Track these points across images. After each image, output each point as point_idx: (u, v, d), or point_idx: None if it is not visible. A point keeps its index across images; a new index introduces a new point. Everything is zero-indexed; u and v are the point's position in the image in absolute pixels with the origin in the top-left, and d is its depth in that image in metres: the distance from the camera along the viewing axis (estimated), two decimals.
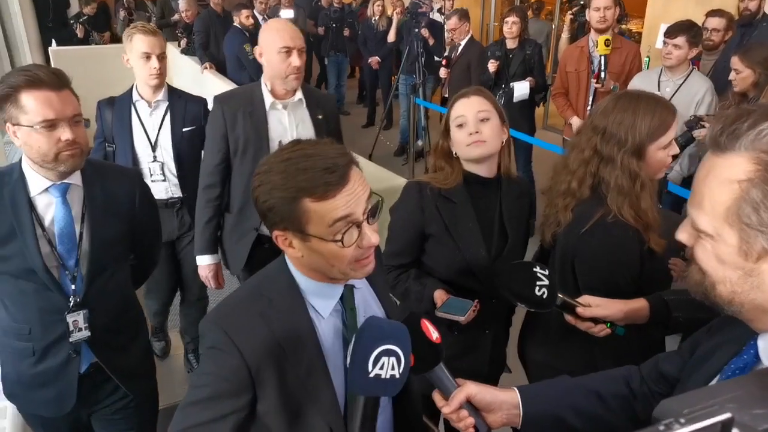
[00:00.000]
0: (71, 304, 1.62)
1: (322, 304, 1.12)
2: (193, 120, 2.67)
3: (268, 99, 2.24)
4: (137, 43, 2.50)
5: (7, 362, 1.71)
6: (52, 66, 7.74)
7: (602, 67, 3.40)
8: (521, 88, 4.45)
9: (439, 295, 1.65)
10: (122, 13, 8.39)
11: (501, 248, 1.75)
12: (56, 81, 1.51)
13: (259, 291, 1.11)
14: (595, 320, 1.42)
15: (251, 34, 5.48)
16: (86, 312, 1.64)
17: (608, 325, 1.42)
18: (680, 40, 3.13)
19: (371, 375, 0.96)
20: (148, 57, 2.50)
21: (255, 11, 6.11)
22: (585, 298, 1.44)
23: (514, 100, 4.45)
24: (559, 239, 1.63)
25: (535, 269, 1.39)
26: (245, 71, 5.41)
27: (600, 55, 3.41)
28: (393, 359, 0.97)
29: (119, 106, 2.65)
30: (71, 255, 1.61)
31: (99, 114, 2.72)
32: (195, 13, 6.63)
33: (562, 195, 1.61)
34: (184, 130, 2.64)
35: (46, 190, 1.59)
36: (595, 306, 1.42)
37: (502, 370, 1.96)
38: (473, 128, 1.65)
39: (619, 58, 3.54)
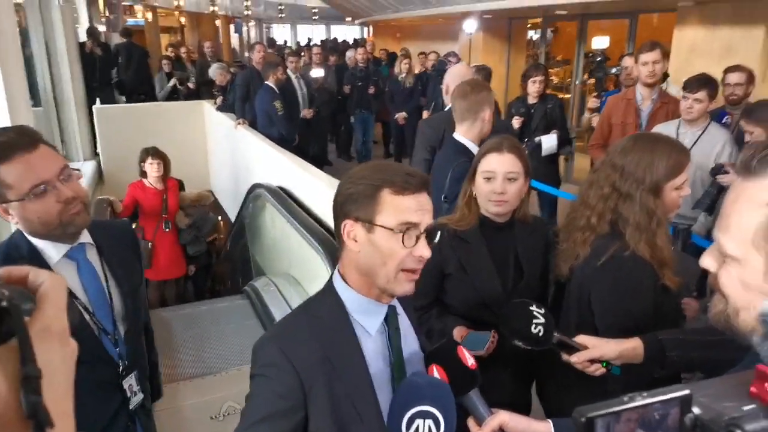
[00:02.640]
0: (121, 369, 1.51)
1: (369, 321, 1.16)
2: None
3: None
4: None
5: None
6: (95, 121, 8.07)
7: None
8: (549, 141, 4.52)
9: (459, 332, 1.70)
10: (165, 68, 8.85)
11: (516, 283, 1.79)
12: (27, 140, 1.33)
13: (308, 311, 1.19)
14: (591, 360, 1.44)
15: (282, 92, 5.74)
16: (136, 373, 1.55)
17: (604, 364, 1.44)
18: (701, 94, 3.17)
19: None
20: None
21: (288, 70, 6.40)
22: (580, 338, 1.46)
23: (543, 153, 4.52)
24: (576, 273, 1.67)
25: (531, 308, 1.42)
26: (274, 127, 5.63)
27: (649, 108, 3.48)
28: (430, 422, 0.98)
29: None
30: (108, 318, 1.51)
31: None
32: (226, 78, 7.15)
33: (581, 229, 1.65)
34: None
35: (66, 256, 1.45)
36: (591, 347, 1.43)
37: (528, 411, 1.93)
38: (500, 188, 1.71)
39: (665, 113, 3.59)
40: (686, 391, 0.51)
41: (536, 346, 1.42)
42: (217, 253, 6.42)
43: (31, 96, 6.00)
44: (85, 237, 1.51)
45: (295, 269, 4.46)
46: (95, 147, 8.16)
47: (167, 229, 4.79)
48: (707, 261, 0.82)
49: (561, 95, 8.52)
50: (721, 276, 0.79)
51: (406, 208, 1.09)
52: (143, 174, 4.67)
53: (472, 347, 1.60)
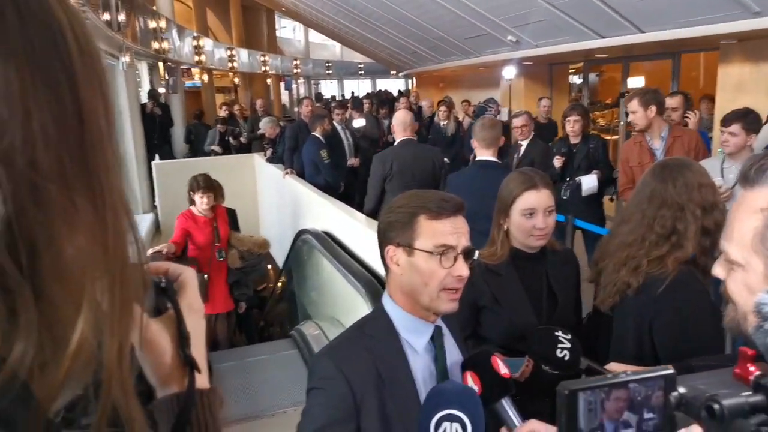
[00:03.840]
0: None
1: (416, 340, 1.24)
2: None
3: None
4: None
5: None
6: (154, 176, 8.47)
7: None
8: (589, 182, 4.51)
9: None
10: (219, 129, 9.34)
11: (551, 312, 1.80)
12: None
13: (361, 330, 1.27)
14: None
15: (327, 142, 5.96)
16: None
17: None
18: (735, 128, 3.14)
19: None
20: None
21: (334, 121, 6.66)
22: (612, 365, 1.46)
23: (583, 193, 4.50)
24: (629, 302, 1.67)
25: (556, 333, 1.44)
26: (321, 175, 5.83)
27: (661, 146, 3.48)
28: (456, 425, 1.03)
29: None
30: None
31: None
32: (275, 131, 7.49)
33: (629, 258, 1.69)
34: None
35: None
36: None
37: None
38: (542, 223, 1.76)
39: (681, 145, 3.58)
40: (670, 370, 0.54)
41: (563, 371, 1.44)
42: (265, 300, 6.57)
43: None
44: None
45: (340, 312, 4.51)
46: (154, 200, 8.61)
47: (221, 259, 4.63)
48: (717, 270, 0.86)
49: (608, 137, 8.47)
50: (729, 283, 0.82)
51: (441, 232, 1.18)
52: (191, 202, 4.55)
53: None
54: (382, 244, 1.26)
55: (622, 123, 8.09)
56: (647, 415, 0.53)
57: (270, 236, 5.09)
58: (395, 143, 4.45)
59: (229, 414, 3.76)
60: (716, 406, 0.51)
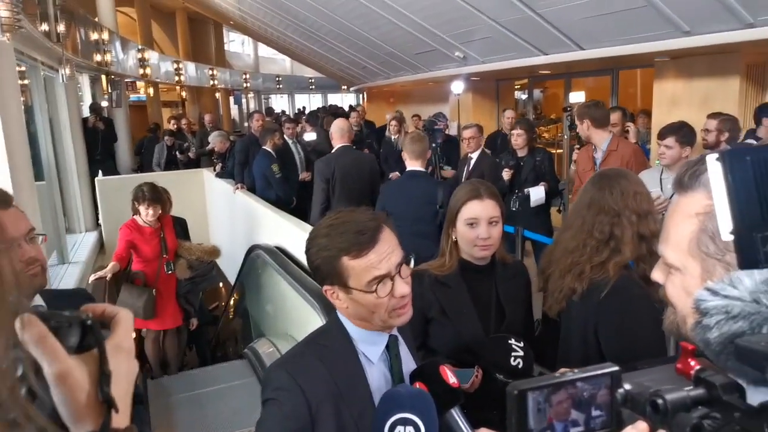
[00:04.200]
0: None
1: (371, 350, 1.24)
2: None
3: None
4: None
5: None
6: (98, 193, 8.17)
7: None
8: (537, 193, 4.64)
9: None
10: (167, 142, 9.13)
11: (499, 325, 1.81)
12: (1, 199, 1.39)
13: (316, 340, 1.27)
14: None
15: (279, 155, 5.91)
16: None
17: None
18: (670, 141, 3.30)
19: None
20: None
21: (285, 136, 6.61)
22: (563, 372, 1.49)
23: (531, 204, 4.63)
24: (575, 308, 1.72)
25: (510, 341, 1.47)
26: (272, 189, 5.76)
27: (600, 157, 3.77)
28: (410, 429, 1.03)
29: None
30: None
31: None
32: (224, 145, 7.37)
33: (573, 265, 1.74)
34: None
35: None
36: None
37: None
38: (485, 233, 1.76)
39: (617, 158, 3.80)
40: (616, 368, 0.55)
41: (516, 379, 1.46)
42: (218, 318, 6.40)
43: (35, 170, 6.16)
44: (37, 301, 1.44)
45: (294, 328, 4.45)
46: (97, 217, 8.29)
47: (169, 272, 4.38)
48: (656, 274, 0.87)
49: (554, 150, 8.75)
50: (667, 287, 0.83)
51: (368, 267, 1.16)
52: (136, 212, 4.29)
53: None
54: (318, 282, 1.25)
55: (565, 137, 8.37)
56: (595, 413, 0.54)
57: (222, 248, 4.96)
58: (333, 150, 4.73)
59: None
60: (660, 401, 0.53)
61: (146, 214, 4.22)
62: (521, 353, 1.46)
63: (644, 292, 1.68)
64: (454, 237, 1.84)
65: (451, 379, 1.14)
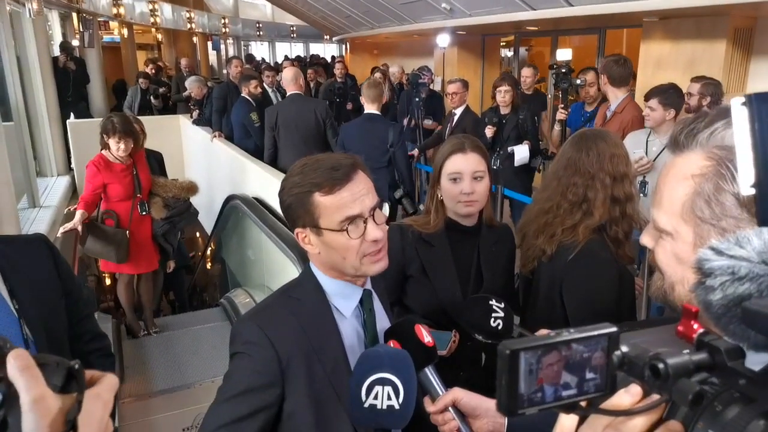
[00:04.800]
0: None
1: (344, 304, 1.20)
2: None
3: None
4: None
5: None
6: (70, 136, 7.95)
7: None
8: (521, 152, 4.61)
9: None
10: (141, 85, 8.84)
11: (476, 289, 1.78)
12: None
13: (288, 293, 1.22)
14: None
15: (258, 104, 5.75)
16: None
17: None
18: (653, 102, 3.28)
19: (366, 405, 1.00)
20: None
21: (265, 84, 6.42)
22: (542, 332, 1.50)
23: (515, 163, 4.60)
24: (544, 269, 1.73)
25: (490, 302, 1.46)
26: (251, 138, 5.63)
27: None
28: (389, 388, 1.01)
29: None
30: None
31: None
32: (202, 91, 7.11)
33: (546, 225, 1.75)
34: None
35: None
36: None
37: None
38: (468, 188, 1.69)
39: (617, 121, 3.77)
40: (614, 328, 0.52)
41: (496, 340, 1.45)
42: (193, 267, 6.35)
43: (2, 110, 5.91)
44: None
45: (271, 279, 4.44)
46: (70, 162, 8.06)
47: (144, 213, 4.04)
48: (645, 239, 0.83)
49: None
50: (657, 252, 0.79)
51: (341, 205, 1.11)
52: (105, 147, 3.88)
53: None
54: (290, 227, 1.21)
55: (549, 96, 8.31)
56: (588, 375, 0.51)
57: (198, 203, 4.83)
58: (285, 96, 5.17)
59: (155, 387, 3.65)
60: (660, 365, 0.50)
61: (117, 149, 3.82)
62: (501, 314, 1.45)
63: (610, 257, 1.68)
64: (439, 195, 1.77)
65: (426, 338, 1.13)
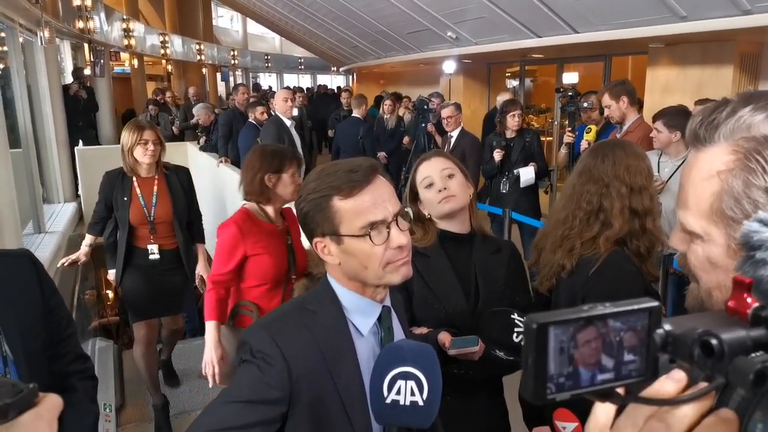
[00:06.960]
0: None
1: (362, 321, 1.12)
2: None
3: None
4: None
5: None
6: (77, 163, 7.99)
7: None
8: (527, 173, 4.58)
9: (445, 337, 1.57)
10: (151, 112, 8.93)
11: (476, 301, 1.71)
12: None
13: (303, 305, 1.14)
14: None
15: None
16: None
17: None
18: (658, 124, 3.24)
19: (388, 401, 0.94)
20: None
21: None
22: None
23: (521, 185, 4.58)
24: (564, 284, 1.67)
25: (512, 316, 1.40)
26: None
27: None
28: (412, 383, 0.94)
29: None
30: None
31: None
32: (209, 118, 7.16)
33: (564, 239, 1.69)
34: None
35: None
36: None
37: None
38: (441, 185, 1.69)
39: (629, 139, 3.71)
40: (656, 303, 0.46)
41: (518, 356, 1.39)
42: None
43: (11, 137, 5.96)
44: None
45: None
46: (77, 188, 8.09)
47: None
48: (675, 241, 0.75)
49: (543, 138, 8.72)
50: (689, 257, 0.72)
51: (362, 210, 1.06)
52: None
53: (464, 345, 1.52)
54: (308, 237, 1.14)
55: (555, 123, 8.33)
56: (627, 357, 0.45)
57: (205, 228, 4.78)
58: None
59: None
60: (714, 341, 0.43)
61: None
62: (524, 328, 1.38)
63: (634, 269, 1.63)
64: (425, 212, 1.75)
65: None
